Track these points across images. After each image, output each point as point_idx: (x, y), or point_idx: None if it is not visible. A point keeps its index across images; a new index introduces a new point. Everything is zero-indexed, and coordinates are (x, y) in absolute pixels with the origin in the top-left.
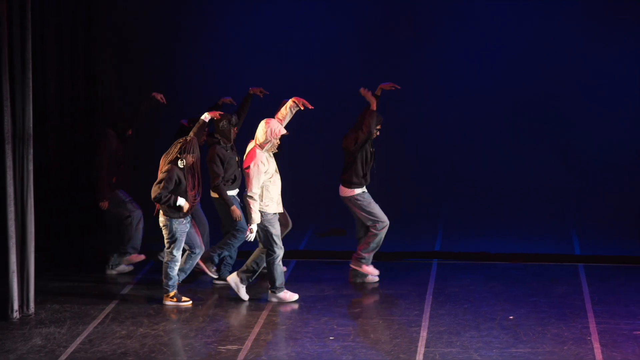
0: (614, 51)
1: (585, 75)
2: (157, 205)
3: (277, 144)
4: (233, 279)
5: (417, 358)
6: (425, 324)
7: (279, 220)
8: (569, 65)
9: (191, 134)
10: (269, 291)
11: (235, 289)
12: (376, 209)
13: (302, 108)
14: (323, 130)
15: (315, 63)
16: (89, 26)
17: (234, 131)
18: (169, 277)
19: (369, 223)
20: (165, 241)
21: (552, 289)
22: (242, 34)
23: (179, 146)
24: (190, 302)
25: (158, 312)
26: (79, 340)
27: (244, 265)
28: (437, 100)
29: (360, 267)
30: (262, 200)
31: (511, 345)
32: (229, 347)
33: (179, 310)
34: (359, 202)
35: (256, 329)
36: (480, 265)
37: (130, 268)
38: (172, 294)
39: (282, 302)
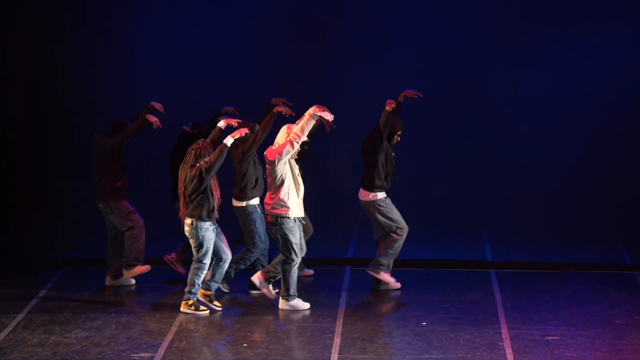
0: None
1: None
2: (183, 212)
3: (298, 150)
4: (257, 279)
5: None
6: (338, 330)
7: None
8: (479, 70)
9: (205, 140)
10: (281, 298)
11: (294, 309)
12: (397, 214)
13: (324, 118)
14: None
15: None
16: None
17: None
18: (193, 285)
19: (391, 229)
20: (193, 249)
21: (464, 295)
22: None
23: (193, 153)
24: (208, 311)
25: (70, 320)
26: None
27: (269, 265)
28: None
29: (379, 273)
30: (287, 201)
31: (424, 351)
32: (142, 355)
33: (89, 319)
34: (381, 207)
35: (169, 337)
36: (394, 271)
37: (132, 282)
38: (191, 302)
39: (292, 310)
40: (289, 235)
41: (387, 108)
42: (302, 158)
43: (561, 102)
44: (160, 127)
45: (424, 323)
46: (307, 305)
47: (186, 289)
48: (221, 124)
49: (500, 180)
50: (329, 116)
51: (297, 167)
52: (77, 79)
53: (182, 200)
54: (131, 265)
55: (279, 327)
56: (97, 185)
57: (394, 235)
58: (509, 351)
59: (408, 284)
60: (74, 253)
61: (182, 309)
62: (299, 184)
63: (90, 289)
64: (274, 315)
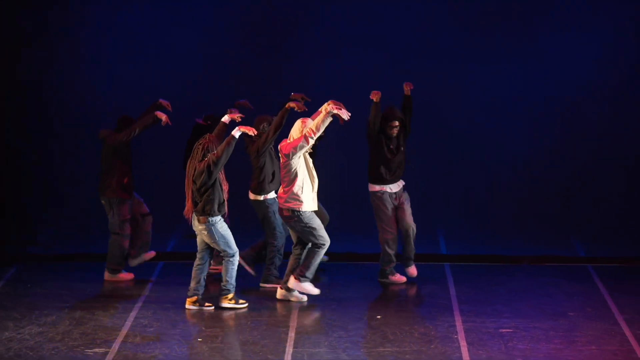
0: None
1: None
2: (188, 207)
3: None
4: (293, 283)
5: (285, 358)
6: (293, 324)
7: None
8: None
9: (211, 134)
10: (293, 276)
11: (303, 290)
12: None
13: (340, 116)
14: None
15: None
16: None
17: None
18: (228, 280)
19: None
20: (213, 245)
21: (419, 289)
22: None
23: (200, 148)
24: (247, 304)
25: (24, 315)
26: None
27: (302, 263)
28: None
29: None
30: (300, 195)
31: (379, 344)
32: (96, 350)
33: (43, 315)
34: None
35: (124, 332)
36: (349, 265)
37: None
38: (230, 296)
39: (279, 296)
40: (310, 223)
41: (373, 99)
42: (314, 152)
43: (512, 98)
44: (170, 124)
45: (379, 317)
46: (317, 291)
47: (222, 284)
48: (225, 118)
49: (454, 174)
50: (345, 114)
51: (311, 160)
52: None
53: (188, 195)
54: (115, 271)
55: (234, 322)
56: (103, 181)
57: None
58: (463, 344)
59: (364, 279)
60: (26, 249)
61: (221, 303)
62: (313, 177)
63: (43, 285)
64: (228, 310)
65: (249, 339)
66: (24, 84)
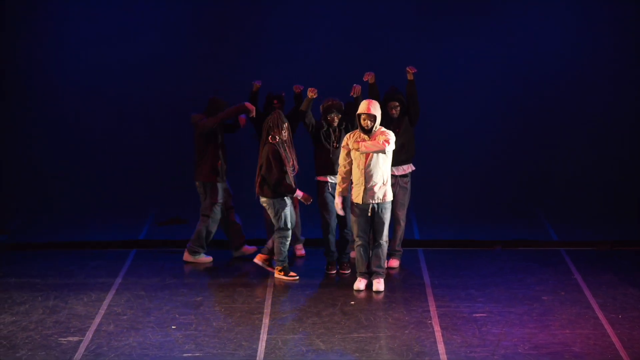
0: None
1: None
2: (257, 187)
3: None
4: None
5: (259, 345)
6: (267, 311)
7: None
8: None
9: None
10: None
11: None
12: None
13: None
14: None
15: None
16: None
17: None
18: (280, 253)
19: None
20: (273, 219)
21: (392, 274)
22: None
23: (266, 127)
24: (297, 277)
25: None
26: None
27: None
28: None
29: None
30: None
31: (353, 330)
32: (70, 338)
33: (16, 304)
34: None
35: (97, 320)
36: (321, 251)
37: (209, 259)
38: (280, 267)
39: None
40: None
41: (368, 80)
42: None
43: (480, 83)
44: (244, 125)
45: (352, 302)
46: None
47: (275, 257)
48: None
49: (424, 160)
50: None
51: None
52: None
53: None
54: (195, 253)
55: (208, 309)
56: (197, 165)
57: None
58: (437, 329)
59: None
60: None
61: (275, 275)
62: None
63: (15, 274)
64: (202, 298)
65: (223, 326)
66: None
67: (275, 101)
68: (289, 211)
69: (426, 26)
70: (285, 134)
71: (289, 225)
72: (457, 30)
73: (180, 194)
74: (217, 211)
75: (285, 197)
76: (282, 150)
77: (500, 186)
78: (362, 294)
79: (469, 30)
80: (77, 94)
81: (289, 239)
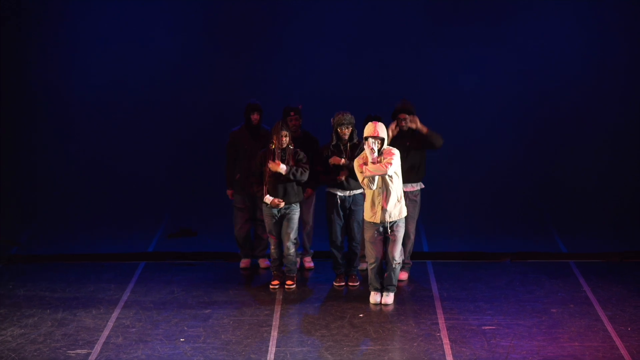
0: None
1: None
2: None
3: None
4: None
5: (268, 358)
6: (275, 323)
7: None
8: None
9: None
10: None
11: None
12: None
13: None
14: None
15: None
16: None
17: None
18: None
19: None
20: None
21: (401, 286)
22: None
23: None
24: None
25: (5, 317)
26: None
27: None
28: None
29: None
30: None
31: (362, 343)
32: (79, 351)
33: (25, 316)
34: None
35: (106, 332)
36: (329, 264)
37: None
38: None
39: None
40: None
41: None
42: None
43: (489, 93)
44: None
45: (361, 315)
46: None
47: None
48: None
49: (433, 172)
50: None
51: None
52: None
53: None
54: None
55: (216, 322)
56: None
57: None
58: (446, 341)
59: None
60: (9, 250)
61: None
62: None
63: (25, 287)
64: (210, 310)
65: (232, 338)
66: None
67: (292, 113)
68: (269, 221)
69: (438, 36)
70: (284, 140)
71: (267, 231)
72: (469, 39)
73: (192, 206)
74: (241, 215)
75: (264, 205)
76: (271, 156)
77: (509, 198)
78: (371, 307)
79: (481, 39)
80: (89, 107)
81: (271, 246)
